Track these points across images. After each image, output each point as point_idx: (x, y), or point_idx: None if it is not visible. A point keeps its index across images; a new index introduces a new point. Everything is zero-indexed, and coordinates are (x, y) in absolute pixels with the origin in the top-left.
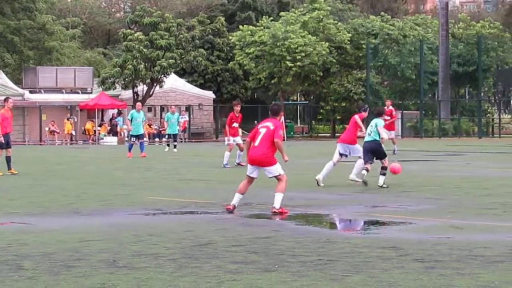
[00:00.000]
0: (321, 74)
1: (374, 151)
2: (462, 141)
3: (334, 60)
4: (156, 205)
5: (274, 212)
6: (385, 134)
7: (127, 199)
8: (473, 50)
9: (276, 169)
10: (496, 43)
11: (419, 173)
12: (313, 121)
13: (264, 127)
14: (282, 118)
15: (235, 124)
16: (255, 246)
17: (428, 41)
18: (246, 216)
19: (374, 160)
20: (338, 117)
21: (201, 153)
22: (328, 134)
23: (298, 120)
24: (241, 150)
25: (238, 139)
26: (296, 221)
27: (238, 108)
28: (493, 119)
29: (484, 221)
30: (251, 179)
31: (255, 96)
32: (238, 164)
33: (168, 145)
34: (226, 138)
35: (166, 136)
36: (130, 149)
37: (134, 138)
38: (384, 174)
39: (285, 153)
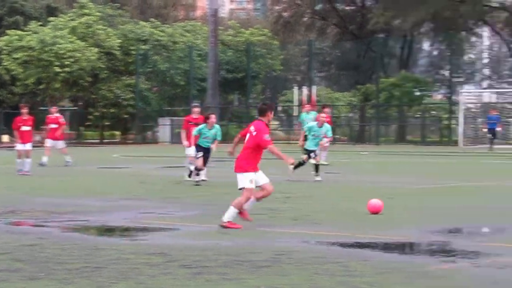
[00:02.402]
0: (90, 79)
1: None
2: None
3: (103, 66)
4: None
5: (221, 226)
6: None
7: None
8: (242, 57)
9: (242, 179)
10: (264, 50)
11: (183, 179)
12: (81, 127)
13: (248, 131)
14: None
15: (25, 128)
16: (20, 254)
17: (198, 47)
18: (11, 224)
19: None
20: (107, 123)
21: None
22: (97, 140)
23: (67, 127)
24: (27, 157)
25: (28, 146)
26: (63, 228)
27: (25, 110)
28: None
29: (252, 226)
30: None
31: (22, 102)
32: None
33: None
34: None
35: None
36: None
37: None
38: None
39: (285, 156)
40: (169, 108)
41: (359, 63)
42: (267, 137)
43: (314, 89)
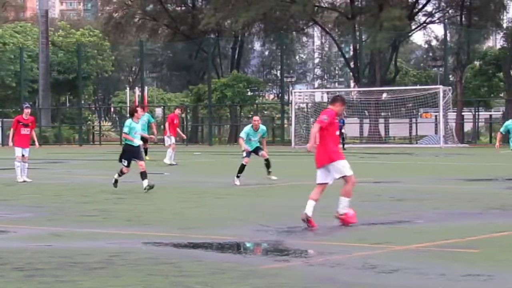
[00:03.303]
0: None
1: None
2: (63, 148)
3: None
4: None
5: (337, 217)
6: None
7: None
8: (73, 58)
9: (341, 167)
10: (96, 51)
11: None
12: None
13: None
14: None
15: None
16: None
17: (28, 48)
18: None
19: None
20: None
21: None
22: None
23: None
24: None
25: None
26: None
27: None
28: (93, 127)
29: (84, 228)
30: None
31: None
32: None
33: None
34: None
35: None
36: None
37: None
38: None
39: (312, 142)
40: (0, 110)
41: (191, 63)
42: (324, 118)
43: (146, 89)
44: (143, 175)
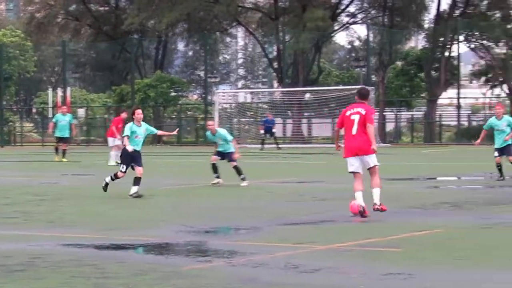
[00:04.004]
0: None
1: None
2: None
3: None
4: None
5: (376, 209)
6: None
7: None
8: None
9: (375, 158)
10: (18, 51)
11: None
12: None
13: (355, 113)
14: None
15: None
16: None
17: None
18: None
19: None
20: None
21: None
22: None
23: None
24: None
25: None
26: None
27: None
28: (15, 128)
29: (5, 230)
30: (358, 176)
31: None
32: None
33: None
34: None
35: None
36: None
37: None
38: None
39: (374, 141)
40: None
41: (114, 64)
42: (374, 117)
43: (69, 90)
44: (136, 181)
